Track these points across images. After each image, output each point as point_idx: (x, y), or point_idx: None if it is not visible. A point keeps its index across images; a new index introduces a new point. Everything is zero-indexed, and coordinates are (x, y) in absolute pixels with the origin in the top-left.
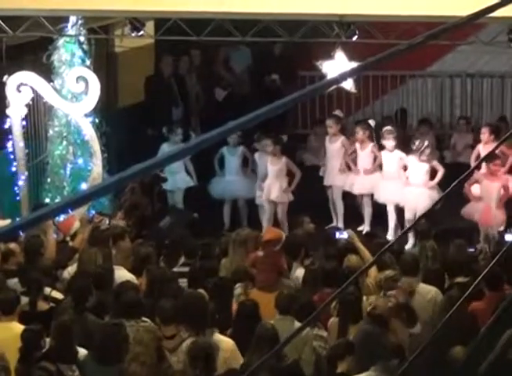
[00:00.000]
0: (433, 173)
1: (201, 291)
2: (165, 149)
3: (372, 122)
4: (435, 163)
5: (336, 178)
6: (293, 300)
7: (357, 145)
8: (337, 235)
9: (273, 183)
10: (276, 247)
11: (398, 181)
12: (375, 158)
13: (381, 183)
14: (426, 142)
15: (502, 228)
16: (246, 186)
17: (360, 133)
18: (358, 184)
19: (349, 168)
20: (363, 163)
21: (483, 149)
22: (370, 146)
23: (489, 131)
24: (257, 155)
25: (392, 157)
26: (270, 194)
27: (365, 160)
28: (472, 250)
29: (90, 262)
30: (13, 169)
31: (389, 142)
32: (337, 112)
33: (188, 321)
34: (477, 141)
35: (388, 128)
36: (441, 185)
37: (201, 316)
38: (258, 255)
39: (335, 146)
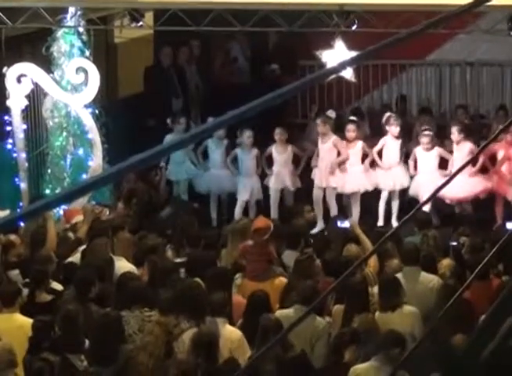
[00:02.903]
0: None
1: (198, 279)
2: (169, 140)
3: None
4: (442, 151)
5: (329, 180)
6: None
7: (343, 143)
8: (339, 224)
9: (282, 171)
10: (265, 236)
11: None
12: (363, 156)
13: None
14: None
15: None
16: (231, 180)
17: (350, 131)
18: (350, 183)
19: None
20: (353, 161)
21: (456, 149)
22: (360, 144)
23: (458, 130)
24: (238, 151)
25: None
26: (282, 182)
27: (355, 158)
28: (455, 243)
29: (100, 253)
30: (13, 161)
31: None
32: (329, 112)
33: (186, 310)
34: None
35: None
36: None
37: (199, 304)
38: (247, 245)
39: (326, 147)
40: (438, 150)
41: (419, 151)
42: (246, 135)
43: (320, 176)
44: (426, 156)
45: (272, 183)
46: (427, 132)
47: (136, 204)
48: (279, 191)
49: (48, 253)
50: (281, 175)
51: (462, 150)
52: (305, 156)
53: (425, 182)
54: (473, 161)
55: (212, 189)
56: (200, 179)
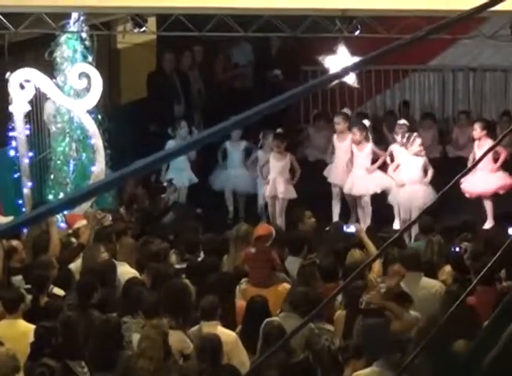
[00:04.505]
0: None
1: (186, 281)
2: (171, 146)
3: (367, 122)
4: (426, 161)
5: (345, 178)
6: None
7: (353, 146)
8: (345, 229)
9: (278, 179)
10: (267, 243)
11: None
12: (373, 158)
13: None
14: (414, 133)
15: None
16: (248, 181)
17: (357, 135)
18: (359, 185)
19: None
20: (362, 163)
21: (477, 145)
22: (370, 146)
23: (481, 127)
24: (260, 153)
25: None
26: (275, 190)
27: (365, 160)
28: (457, 249)
29: (94, 259)
30: (16, 166)
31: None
32: (346, 110)
33: (170, 311)
34: None
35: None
36: (442, 179)
37: (183, 306)
38: (250, 252)
39: (343, 145)
40: (424, 159)
41: (405, 157)
42: (276, 143)
43: (336, 174)
44: (412, 162)
45: (268, 191)
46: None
47: (137, 210)
48: (273, 198)
49: (50, 258)
50: (275, 183)
51: (483, 148)
52: (299, 169)
53: (413, 192)
54: (494, 158)
55: (227, 187)
56: (216, 177)
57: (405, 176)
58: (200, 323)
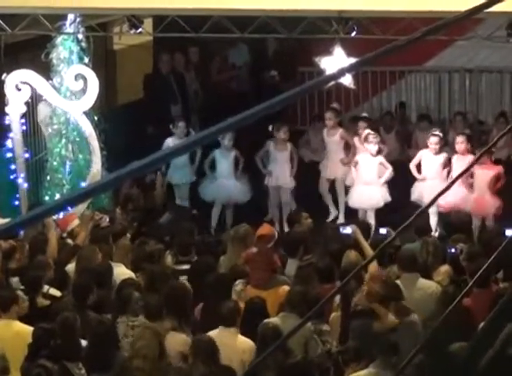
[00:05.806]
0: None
1: (185, 281)
2: (169, 143)
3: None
4: (446, 157)
5: (338, 171)
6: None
7: (356, 139)
8: (341, 230)
9: (282, 169)
10: (269, 244)
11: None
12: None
13: (358, 187)
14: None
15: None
16: (239, 190)
17: (363, 129)
18: (365, 199)
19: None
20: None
21: (457, 160)
22: (378, 158)
23: (464, 140)
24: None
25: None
26: (277, 180)
27: (373, 173)
28: (453, 250)
29: (89, 260)
30: (12, 167)
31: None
32: (335, 105)
33: (173, 313)
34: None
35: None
36: None
37: (185, 307)
38: (251, 253)
39: (334, 139)
40: (444, 156)
41: (426, 154)
42: (283, 131)
43: (329, 169)
44: (433, 159)
45: (272, 182)
46: (437, 132)
47: (132, 210)
48: (275, 189)
49: (46, 259)
50: (279, 173)
51: (464, 160)
52: (296, 159)
53: (432, 187)
54: (471, 173)
55: (218, 198)
56: (206, 188)
57: (425, 172)
58: (219, 328)
